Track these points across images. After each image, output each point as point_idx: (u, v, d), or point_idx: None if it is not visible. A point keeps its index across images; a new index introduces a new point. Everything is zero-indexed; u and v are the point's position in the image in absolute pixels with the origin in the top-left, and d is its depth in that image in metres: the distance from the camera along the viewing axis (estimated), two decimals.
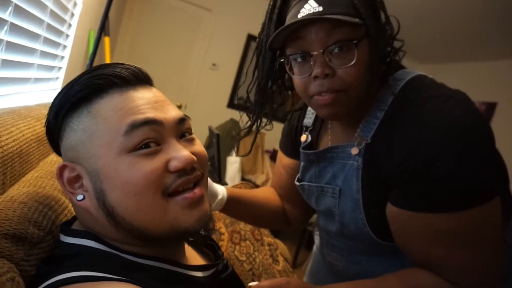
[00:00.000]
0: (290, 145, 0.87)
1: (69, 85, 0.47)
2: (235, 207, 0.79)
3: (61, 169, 0.45)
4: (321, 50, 0.56)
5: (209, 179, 0.71)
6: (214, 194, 0.74)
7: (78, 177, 0.45)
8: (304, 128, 0.81)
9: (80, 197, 0.45)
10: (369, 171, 0.63)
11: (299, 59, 0.60)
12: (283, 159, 0.89)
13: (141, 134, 0.43)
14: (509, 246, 0.69)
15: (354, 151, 0.65)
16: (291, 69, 0.63)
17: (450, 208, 0.53)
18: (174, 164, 0.44)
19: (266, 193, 0.92)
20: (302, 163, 0.79)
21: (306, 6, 0.57)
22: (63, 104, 0.46)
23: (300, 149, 0.78)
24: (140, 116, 0.44)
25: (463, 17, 2.63)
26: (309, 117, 0.81)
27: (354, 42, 0.55)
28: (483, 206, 0.53)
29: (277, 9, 0.62)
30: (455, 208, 0.53)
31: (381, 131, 0.62)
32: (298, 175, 0.81)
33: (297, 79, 0.62)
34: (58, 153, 0.50)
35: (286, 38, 0.60)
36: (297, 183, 0.81)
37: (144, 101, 0.46)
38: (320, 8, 0.55)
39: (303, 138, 0.79)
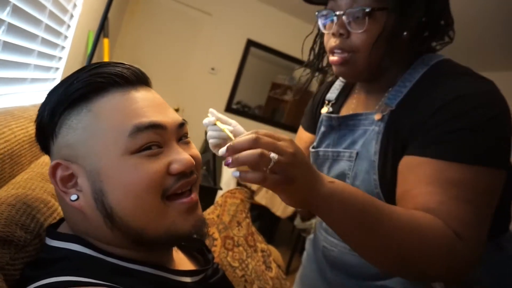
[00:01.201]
0: (311, 119, 0.91)
1: (67, 81, 0.45)
2: None
3: (55, 167, 0.44)
4: (342, 12, 0.63)
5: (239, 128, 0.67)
6: None
7: (71, 176, 0.44)
8: (326, 102, 0.85)
9: (74, 197, 0.44)
10: (389, 135, 0.66)
11: (329, 17, 0.68)
12: (303, 135, 0.94)
13: (146, 137, 0.43)
14: (506, 255, 0.69)
15: (378, 116, 0.68)
16: (324, 25, 0.70)
17: (462, 158, 0.55)
18: (175, 167, 0.45)
19: None
20: (322, 129, 0.81)
21: None
22: (62, 101, 0.45)
23: (323, 114, 0.81)
24: (145, 120, 0.44)
25: (464, 28, 2.65)
26: (333, 92, 0.85)
27: (367, 10, 0.60)
28: (492, 170, 0.55)
29: None
30: (467, 160, 0.55)
31: (407, 98, 0.65)
32: (314, 143, 0.83)
33: (325, 33, 0.71)
34: (46, 150, 0.49)
35: None
36: (312, 150, 0.82)
37: (147, 102, 0.46)
38: None
39: (324, 109, 0.83)
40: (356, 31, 0.63)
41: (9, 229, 0.46)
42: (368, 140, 0.69)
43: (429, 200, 0.54)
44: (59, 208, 0.60)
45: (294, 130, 3.72)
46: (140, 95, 0.47)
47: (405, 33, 0.63)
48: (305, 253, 1.00)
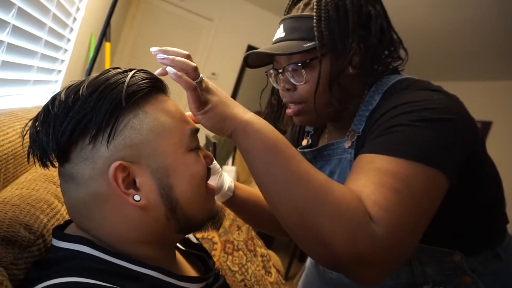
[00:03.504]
0: None
1: (113, 84, 0.44)
2: (239, 204, 0.76)
3: (117, 169, 0.43)
4: (281, 70, 0.68)
5: (219, 168, 0.74)
6: (220, 184, 0.72)
7: (128, 176, 0.44)
8: (306, 133, 0.85)
9: (137, 197, 0.45)
10: None
11: (275, 74, 0.71)
12: None
13: (197, 138, 0.52)
14: (505, 264, 0.68)
15: (347, 144, 0.68)
16: (275, 80, 0.74)
17: (388, 151, 0.52)
18: (208, 161, 0.54)
19: None
20: None
21: (279, 30, 0.68)
22: (119, 103, 0.44)
23: (298, 149, 0.80)
24: (193, 125, 0.52)
25: (461, 37, 2.68)
26: None
27: (299, 65, 0.64)
28: (424, 168, 0.50)
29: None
30: (392, 152, 0.51)
31: (369, 121, 0.65)
32: None
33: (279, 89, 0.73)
34: (63, 155, 0.44)
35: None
36: None
37: (180, 108, 0.52)
38: (283, 34, 0.67)
39: (304, 142, 0.83)
40: (300, 83, 0.66)
41: (13, 229, 0.46)
42: (343, 169, 0.70)
43: (354, 185, 0.50)
44: (62, 209, 0.61)
45: None
46: (172, 101, 0.51)
47: (350, 69, 0.65)
48: (308, 260, 1.00)
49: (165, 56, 0.48)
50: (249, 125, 0.50)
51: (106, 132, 0.43)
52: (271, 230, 0.86)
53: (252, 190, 0.81)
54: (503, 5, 2.08)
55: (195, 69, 0.48)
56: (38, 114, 0.46)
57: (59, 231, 0.47)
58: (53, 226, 0.54)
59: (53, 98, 0.45)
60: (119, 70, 0.48)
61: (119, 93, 0.44)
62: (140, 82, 0.46)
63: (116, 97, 0.44)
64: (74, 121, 0.42)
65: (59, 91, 0.46)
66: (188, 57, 0.50)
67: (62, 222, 0.54)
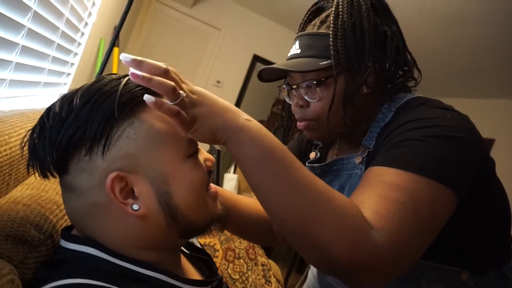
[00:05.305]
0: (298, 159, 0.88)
1: (106, 94, 0.43)
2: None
3: (114, 180, 0.43)
4: (295, 86, 0.68)
5: None
6: None
7: (126, 186, 0.44)
8: (314, 146, 0.85)
9: (136, 206, 0.44)
10: None
11: (288, 88, 0.72)
12: None
13: (196, 142, 0.50)
14: (511, 284, 0.68)
15: (358, 159, 0.68)
16: (287, 95, 0.74)
17: (397, 164, 0.52)
18: (208, 164, 0.53)
19: (257, 205, 0.84)
20: None
21: (294, 46, 0.69)
22: (112, 113, 0.43)
23: (306, 164, 0.80)
24: None
25: (463, 54, 2.70)
26: None
27: (314, 82, 0.64)
28: (432, 183, 0.50)
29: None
30: (401, 166, 0.52)
31: (379, 137, 0.65)
32: None
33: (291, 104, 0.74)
34: (61, 168, 0.45)
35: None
36: None
37: None
38: (299, 51, 0.67)
39: (312, 155, 0.83)
40: (313, 101, 0.66)
41: (24, 228, 0.47)
42: (353, 185, 0.69)
43: (360, 197, 0.50)
44: None
45: None
46: None
47: (364, 89, 0.65)
48: (310, 274, 0.99)
49: (139, 73, 0.40)
50: (242, 132, 0.47)
51: (101, 143, 0.43)
52: (249, 239, 0.84)
53: (232, 195, 0.78)
54: (505, 23, 2.11)
55: (174, 89, 0.41)
56: (35, 125, 0.45)
57: (68, 232, 0.48)
58: (61, 227, 0.55)
59: (48, 110, 0.45)
60: (115, 76, 0.46)
61: (112, 103, 0.42)
62: (133, 90, 0.44)
63: (109, 107, 0.42)
64: (68, 134, 0.42)
65: (54, 102, 0.46)
66: (165, 73, 0.42)
67: (70, 223, 0.55)
